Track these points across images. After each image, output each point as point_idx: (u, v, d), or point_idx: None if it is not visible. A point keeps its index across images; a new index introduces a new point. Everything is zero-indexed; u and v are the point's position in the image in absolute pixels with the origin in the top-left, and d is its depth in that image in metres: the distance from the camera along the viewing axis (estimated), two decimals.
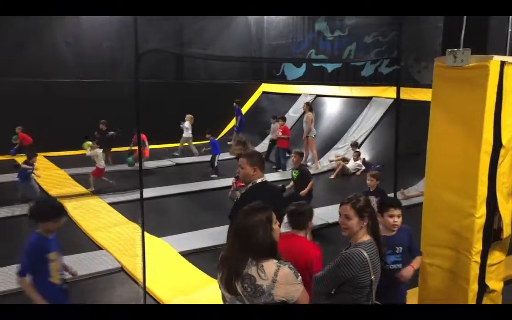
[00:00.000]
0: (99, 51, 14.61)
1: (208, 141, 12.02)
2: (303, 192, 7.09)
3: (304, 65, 17.29)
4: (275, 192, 3.87)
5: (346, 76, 15.06)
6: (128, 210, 8.25)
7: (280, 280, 2.48)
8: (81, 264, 5.96)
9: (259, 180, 3.57)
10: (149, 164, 11.84)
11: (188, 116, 13.51)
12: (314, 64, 16.95)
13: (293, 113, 15.29)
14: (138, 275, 5.64)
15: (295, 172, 7.43)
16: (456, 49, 3.44)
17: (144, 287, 4.65)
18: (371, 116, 12.74)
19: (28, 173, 8.70)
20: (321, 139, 12.69)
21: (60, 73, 13.80)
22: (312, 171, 11.63)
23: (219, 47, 16.66)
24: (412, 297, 4.11)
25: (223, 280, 2.57)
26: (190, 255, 6.32)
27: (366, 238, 2.91)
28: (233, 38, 17.05)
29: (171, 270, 5.85)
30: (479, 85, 3.37)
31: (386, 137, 11.76)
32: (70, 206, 8.19)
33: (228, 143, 14.93)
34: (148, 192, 8.48)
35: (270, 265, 2.50)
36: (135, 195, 8.98)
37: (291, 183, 7.63)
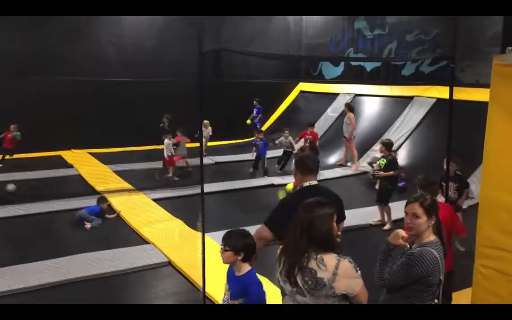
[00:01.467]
0: (142, 49, 14.93)
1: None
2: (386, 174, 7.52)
3: (342, 64, 17.14)
4: (325, 195, 3.84)
5: (386, 75, 14.85)
6: (169, 206, 8.46)
7: (340, 273, 2.52)
8: (129, 257, 6.20)
9: (306, 184, 3.58)
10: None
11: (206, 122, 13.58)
12: (353, 63, 16.77)
13: (332, 112, 15.20)
14: (185, 269, 5.80)
15: (382, 161, 7.68)
16: None
17: (204, 287, 4.70)
18: (412, 116, 12.52)
19: None
20: (360, 139, 12.56)
21: (106, 73, 14.21)
22: (351, 172, 11.61)
23: (258, 45, 16.75)
24: (465, 298, 4.07)
25: (284, 272, 2.64)
26: None
27: (433, 237, 2.90)
28: (272, 37, 17.11)
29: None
30: None
31: (428, 138, 11.54)
32: (116, 202, 8.47)
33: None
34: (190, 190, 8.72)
35: (330, 259, 2.55)
36: (179, 192, 9.28)
37: None
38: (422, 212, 2.92)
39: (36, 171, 11.05)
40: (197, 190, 9.31)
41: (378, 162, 8.01)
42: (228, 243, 3.02)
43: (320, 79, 17.65)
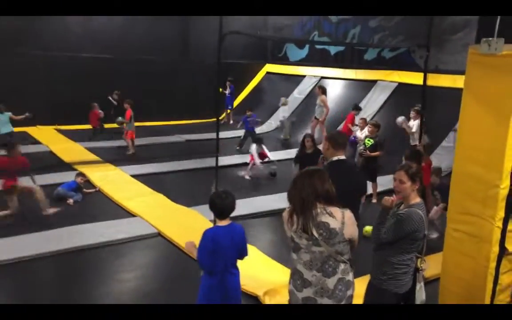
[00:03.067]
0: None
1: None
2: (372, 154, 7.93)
3: (306, 46, 17.63)
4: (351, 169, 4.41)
5: (350, 59, 15.46)
6: (146, 182, 8.68)
7: (347, 221, 3.05)
8: (120, 228, 6.43)
9: (335, 158, 4.15)
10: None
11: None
12: (318, 47, 17.30)
13: (298, 94, 15.70)
14: (175, 239, 6.11)
15: (368, 141, 8.11)
16: (490, 39, 3.90)
17: None
18: (376, 99, 13.21)
19: None
20: (327, 121, 13.11)
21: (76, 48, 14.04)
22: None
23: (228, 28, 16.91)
24: (436, 263, 4.64)
25: (299, 228, 3.07)
26: None
27: (418, 199, 3.42)
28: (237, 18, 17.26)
29: None
30: (510, 71, 3.85)
31: (389, 120, 12.24)
32: (94, 178, 8.59)
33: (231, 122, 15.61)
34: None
35: (336, 211, 3.07)
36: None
37: None
38: (407, 178, 3.45)
39: None
40: (169, 167, 9.75)
41: (363, 142, 8.40)
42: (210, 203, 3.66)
43: (285, 61, 18.08)
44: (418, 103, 8.41)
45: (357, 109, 11.37)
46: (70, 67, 13.96)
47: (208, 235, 3.45)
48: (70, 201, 7.60)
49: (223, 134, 13.80)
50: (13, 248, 5.68)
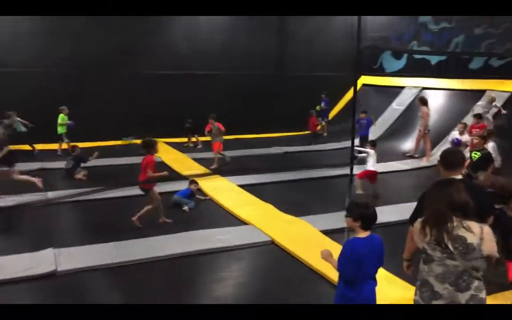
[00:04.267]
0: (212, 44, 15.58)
1: None
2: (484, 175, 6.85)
3: (404, 57, 17.17)
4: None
5: (454, 68, 14.79)
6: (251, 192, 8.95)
7: (486, 237, 2.92)
8: (235, 235, 6.72)
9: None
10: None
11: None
12: (416, 56, 16.78)
13: (397, 106, 15.31)
14: (289, 247, 6.25)
15: (475, 154, 7.49)
16: None
17: None
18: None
19: None
20: (433, 132, 12.62)
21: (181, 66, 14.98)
22: (424, 164, 11.73)
23: (320, 41, 17.05)
24: None
25: (433, 240, 3.01)
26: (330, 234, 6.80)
27: None
28: (334, 31, 17.36)
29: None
30: None
31: (504, 130, 11.48)
32: (205, 186, 9.04)
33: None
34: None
35: (474, 225, 2.95)
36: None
37: None
38: None
39: (125, 157, 11.86)
40: (271, 178, 9.95)
41: (469, 155, 7.75)
42: (350, 211, 3.52)
43: (380, 72, 17.72)
44: None
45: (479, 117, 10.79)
46: (176, 83, 14.88)
47: (350, 246, 3.44)
48: (186, 208, 8.07)
49: (319, 147, 13.90)
50: (134, 251, 6.09)
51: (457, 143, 10.00)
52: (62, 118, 12.12)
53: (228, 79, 15.59)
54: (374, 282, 3.54)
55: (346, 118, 14.42)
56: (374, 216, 3.51)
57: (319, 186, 9.85)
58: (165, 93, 14.66)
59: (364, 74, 17.78)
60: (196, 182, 8.81)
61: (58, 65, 13.26)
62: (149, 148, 7.13)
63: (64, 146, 12.10)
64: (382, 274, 5.48)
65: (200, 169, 10.83)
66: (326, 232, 6.77)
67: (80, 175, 10.03)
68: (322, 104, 16.00)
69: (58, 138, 12.25)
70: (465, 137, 10.03)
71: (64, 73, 13.24)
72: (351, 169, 4.87)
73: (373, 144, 9.38)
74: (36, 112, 11.72)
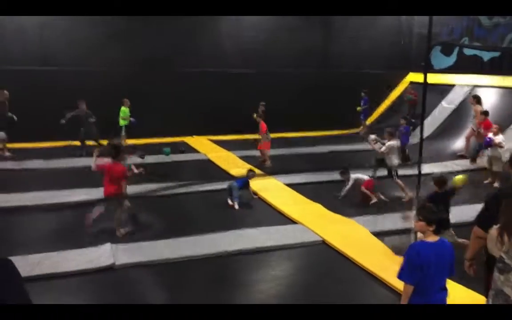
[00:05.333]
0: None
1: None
2: None
3: (454, 53, 16.62)
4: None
5: (509, 65, 14.19)
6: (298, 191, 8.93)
7: None
8: (286, 234, 6.75)
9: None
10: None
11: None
12: (467, 53, 16.21)
13: (447, 104, 14.85)
14: (342, 248, 6.21)
15: None
16: None
17: None
18: None
19: None
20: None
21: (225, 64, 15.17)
22: (473, 166, 11.25)
23: (366, 37, 16.79)
24: None
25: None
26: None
27: None
28: (381, 27, 17.06)
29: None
30: None
31: None
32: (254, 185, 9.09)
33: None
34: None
35: None
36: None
37: None
38: None
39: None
40: (317, 177, 9.88)
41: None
42: (422, 215, 3.39)
43: (429, 69, 17.20)
44: None
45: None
46: (221, 81, 15.05)
47: (414, 250, 3.33)
48: (236, 206, 8.16)
49: (357, 147, 13.52)
50: (185, 248, 6.20)
51: (488, 143, 9.78)
52: (123, 111, 12.50)
53: (272, 77, 15.61)
54: (444, 291, 3.40)
55: (391, 117, 14.27)
56: (446, 221, 3.43)
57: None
58: (211, 91, 14.85)
59: (412, 71, 17.38)
60: (253, 171, 8.85)
61: (111, 64, 13.72)
62: (119, 154, 6.70)
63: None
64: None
65: (247, 167, 10.89)
66: (377, 234, 6.70)
67: (137, 170, 10.15)
68: (361, 103, 15.69)
69: (117, 131, 12.46)
70: (499, 138, 9.68)
71: (116, 72, 13.67)
72: (419, 170, 4.75)
73: (392, 133, 8.75)
74: (92, 109, 12.12)
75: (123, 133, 12.50)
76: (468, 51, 16.21)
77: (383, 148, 8.60)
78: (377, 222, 7.19)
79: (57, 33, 13.42)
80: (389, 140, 8.57)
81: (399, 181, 8.63)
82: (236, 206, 8.15)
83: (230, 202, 8.24)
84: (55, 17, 12.49)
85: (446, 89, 15.40)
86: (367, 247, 6.31)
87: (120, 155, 6.77)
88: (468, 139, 12.02)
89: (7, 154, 11.48)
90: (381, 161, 8.95)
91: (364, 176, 8.73)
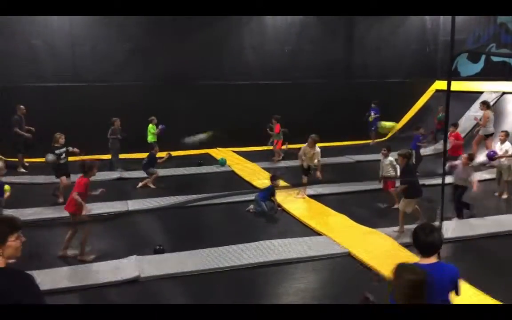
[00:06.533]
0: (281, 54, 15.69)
1: None
2: None
3: (482, 60, 16.26)
4: None
5: None
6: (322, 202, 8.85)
7: None
8: (311, 246, 6.65)
9: None
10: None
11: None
12: (495, 59, 15.83)
13: (474, 112, 14.45)
14: (367, 261, 6.07)
15: None
16: None
17: None
18: None
19: None
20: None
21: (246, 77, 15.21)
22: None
23: (391, 44, 16.62)
24: None
25: None
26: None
27: None
28: (406, 35, 16.88)
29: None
30: None
31: None
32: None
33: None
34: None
35: None
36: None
37: None
38: None
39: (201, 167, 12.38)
40: (344, 187, 9.73)
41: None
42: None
43: (455, 76, 16.86)
44: None
45: (454, 126, 11.07)
46: (241, 94, 15.07)
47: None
48: (251, 208, 8.41)
49: (369, 157, 13.22)
50: (208, 260, 6.19)
51: (491, 157, 9.56)
52: (151, 127, 12.71)
53: (295, 88, 15.57)
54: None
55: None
56: (435, 244, 3.09)
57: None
58: (235, 103, 14.88)
59: (438, 79, 17.08)
60: (278, 178, 8.82)
61: (136, 79, 13.96)
62: (89, 171, 6.45)
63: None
64: (471, 292, 5.17)
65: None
66: (406, 245, 6.51)
67: (149, 182, 10.31)
68: (372, 114, 15.45)
69: (149, 147, 12.71)
70: (507, 145, 9.36)
71: (139, 87, 13.91)
72: (443, 179, 4.61)
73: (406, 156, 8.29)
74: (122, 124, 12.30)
75: (155, 147, 12.76)
76: (495, 58, 15.84)
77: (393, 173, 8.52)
78: (406, 233, 7.01)
79: (86, 49, 13.76)
80: (401, 164, 7.90)
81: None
82: (252, 208, 8.38)
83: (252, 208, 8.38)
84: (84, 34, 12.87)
85: (474, 96, 15.03)
86: (395, 259, 6.12)
87: (90, 172, 6.49)
88: (475, 144, 11.91)
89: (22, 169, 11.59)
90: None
91: None
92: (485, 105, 11.91)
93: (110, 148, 11.91)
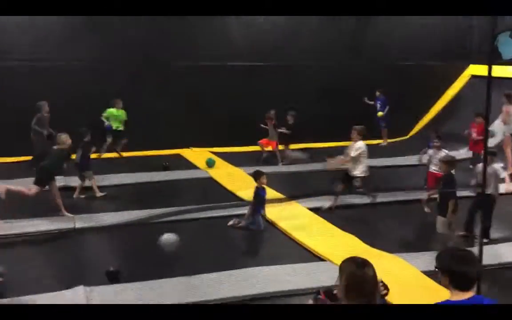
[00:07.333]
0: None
1: None
2: None
3: None
4: None
5: None
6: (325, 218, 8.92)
7: None
8: (309, 274, 6.67)
9: None
10: None
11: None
12: None
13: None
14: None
15: None
16: None
17: None
18: None
19: None
20: None
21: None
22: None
23: (412, 21, 16.64)
24: None
25: None
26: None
27: None
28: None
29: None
30: None
31: None
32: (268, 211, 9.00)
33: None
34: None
35: None
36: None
37: None
38: None
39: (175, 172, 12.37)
40: (354, 199, 9.78)
41: None
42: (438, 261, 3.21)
43: (496, 59, 17.00)
44: None
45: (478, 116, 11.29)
46: (225, 78, 15.10)
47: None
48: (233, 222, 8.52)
49: (381, 162, 13.24)
50: (167, 293, 6.19)
51: None
52: (112, 113, 13.24)
53: (292, 72, 15.61)
54: None
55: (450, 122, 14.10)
56: (475, 276, 3.10)
57: (417, 212, 9.52)
58: (212, 91, 14.92)
59: (473, 63, 17.24)
60: (262, 174, 8.78)
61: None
62: None
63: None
64: None
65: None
66: (429, 274, 6.54)
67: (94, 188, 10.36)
68: (378, 106, 15.60)
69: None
70: None
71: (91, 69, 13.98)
72: (483, 189, 4.69)
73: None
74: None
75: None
76: None
77: None
78: (429, 258, 7.04)
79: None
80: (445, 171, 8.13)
81: None
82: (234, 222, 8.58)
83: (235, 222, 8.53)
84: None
85: None
86: (418, 290, 6.19)
87: None
88: (506, 148, 12.00)
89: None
90: None
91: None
92: (508, 98, 12.06)
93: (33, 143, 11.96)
